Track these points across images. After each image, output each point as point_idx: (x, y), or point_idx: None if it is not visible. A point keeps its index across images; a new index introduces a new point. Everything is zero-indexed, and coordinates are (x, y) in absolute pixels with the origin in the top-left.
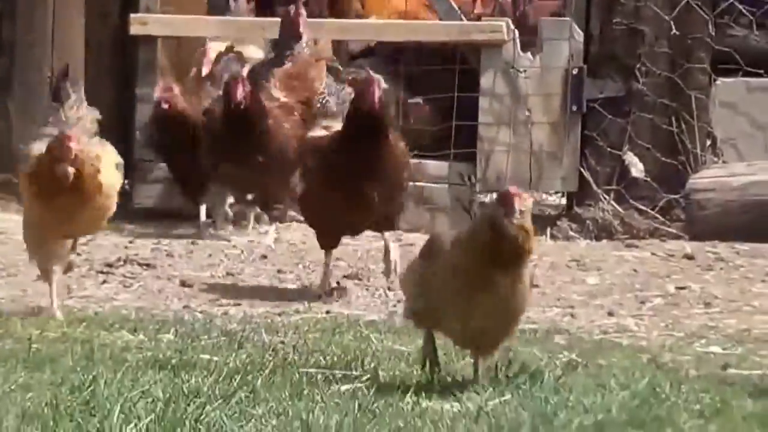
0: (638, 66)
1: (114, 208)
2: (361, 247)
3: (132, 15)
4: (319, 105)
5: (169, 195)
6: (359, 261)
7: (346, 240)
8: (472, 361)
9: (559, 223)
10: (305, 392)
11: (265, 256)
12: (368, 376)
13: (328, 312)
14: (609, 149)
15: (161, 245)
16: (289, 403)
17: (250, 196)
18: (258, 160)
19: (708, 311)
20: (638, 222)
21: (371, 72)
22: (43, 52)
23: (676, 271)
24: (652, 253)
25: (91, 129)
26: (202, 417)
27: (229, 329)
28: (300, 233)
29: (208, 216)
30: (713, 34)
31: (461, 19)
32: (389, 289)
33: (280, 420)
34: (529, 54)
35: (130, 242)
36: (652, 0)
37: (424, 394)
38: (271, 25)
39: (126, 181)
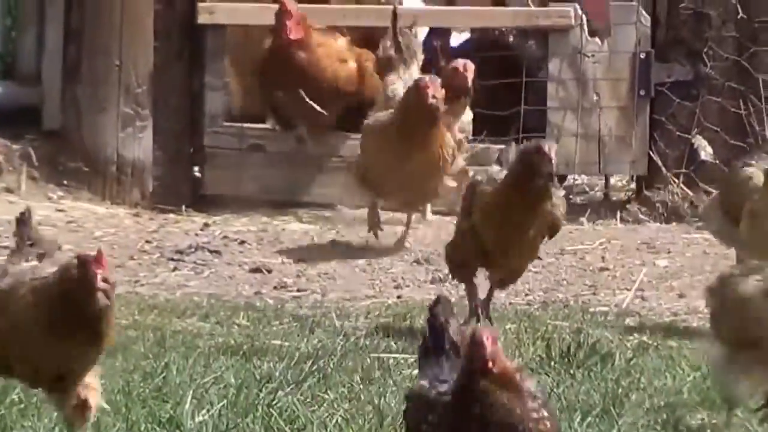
0: (705, 50)
1: None
2: (430, 233)
3: (200, 4)
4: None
5: (239, 182)
6: (428, 246)
7: (416, 225)
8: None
9: (628, 206)
10: (377, 377)
11: (335, 242)
12: None
13: (399, 297)
14: (678, 133)
15: (232, 232)
16: (361, 387)
17: None
18: None
19: None
20: None
21: None
22: (112, 39)
23: None
24: None
25: None
26: (274, 402)
27: (300, 315)
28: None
29: None
30: None
31: (528, 5)
32: None
33: (352, 404)
34: (596, 39)
35: (201, 229)
36: None
37: None
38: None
39: (196, 168)
